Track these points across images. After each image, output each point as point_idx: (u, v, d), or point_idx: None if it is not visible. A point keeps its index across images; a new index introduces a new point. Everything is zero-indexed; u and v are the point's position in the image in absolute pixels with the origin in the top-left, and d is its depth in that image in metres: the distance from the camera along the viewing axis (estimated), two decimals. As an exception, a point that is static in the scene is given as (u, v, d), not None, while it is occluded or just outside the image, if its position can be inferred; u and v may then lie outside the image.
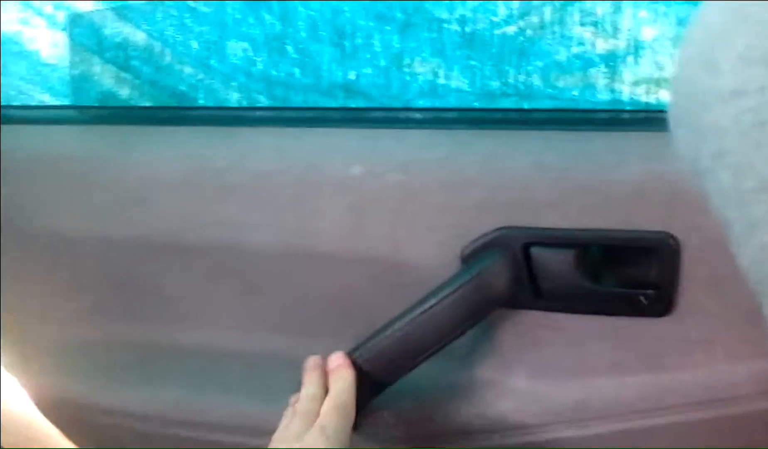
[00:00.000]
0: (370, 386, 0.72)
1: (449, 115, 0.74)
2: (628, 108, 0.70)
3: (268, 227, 0.75)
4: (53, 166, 0.82)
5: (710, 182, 0.28)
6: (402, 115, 0.75)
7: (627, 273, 0.69)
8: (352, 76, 0.73)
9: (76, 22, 0.84)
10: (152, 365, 0.85)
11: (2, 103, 0.89)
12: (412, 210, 0.70)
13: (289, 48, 0.73)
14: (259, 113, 0.80)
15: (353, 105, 0.75)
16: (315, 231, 0.74)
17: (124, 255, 0.82)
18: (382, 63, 0.70)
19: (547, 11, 0.64)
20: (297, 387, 0.78)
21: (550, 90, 0.68)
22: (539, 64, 0.68)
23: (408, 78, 0.71)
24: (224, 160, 0.75)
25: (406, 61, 0.70)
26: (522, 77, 0.68)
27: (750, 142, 0.25)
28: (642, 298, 0.67)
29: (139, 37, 0.79)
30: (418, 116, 0.75)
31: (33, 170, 0.82)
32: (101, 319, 0.88)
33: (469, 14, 0.66)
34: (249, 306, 0.81)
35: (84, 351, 0.89)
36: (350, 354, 0.72)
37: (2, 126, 0.84)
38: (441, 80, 0.70)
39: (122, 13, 0.79)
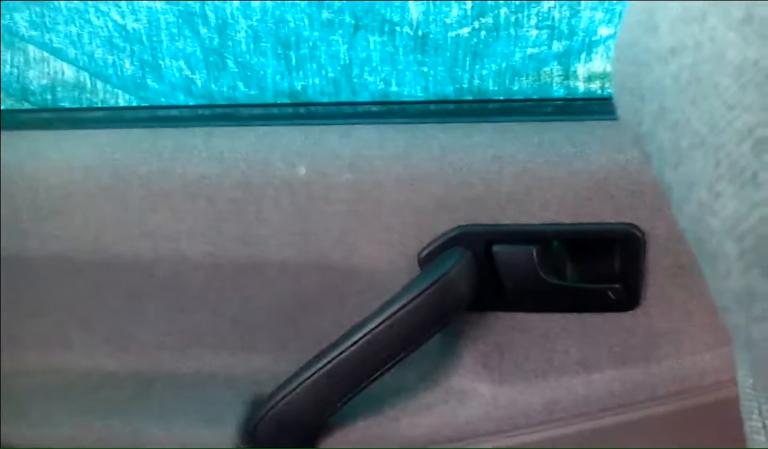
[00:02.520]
0: (328, 403, 0.67)
1: (400, 108, 0.69)
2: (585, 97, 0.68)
3: (203, 236, 0.68)
4: None
5: (651, 144, 0.28)
6: (348, 109, 0.70)
7: (592, 268, 0.67)
8: (298, 87, 0.67)
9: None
10: (75, 396, 0.77)
11: None
12: (364, 211, 0.65)
13: (230, 62, 0.66)
14: (189, 112, 0.73)
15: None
16: (257, 238, 0.68)
17: (38, 274, 0.74)
18: (330, 74, 0.65)
19: (502, 12, 0.61)
20: (239, 407, 0.72)
21: (504, 93, 0.65)
22: (494, 66, 0.64)
23: (358, 88, 0.66)
24: (151, 164, 0.68)
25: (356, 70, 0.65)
26: (476, 81, 0.64)
27: (687, 98, 0.25)
28: (609, 293, 0.65)
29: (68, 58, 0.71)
30: (365, 110, 0.70)
31: None
32: (14, 347, 0.78)
33: (421, 17, 0.62)
34: (182, 323, 0.74)
35: None
36: (303, 371, 0.67)
37: None
38: (393, 88, 0.66)
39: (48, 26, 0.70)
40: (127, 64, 0.70)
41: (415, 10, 0.63)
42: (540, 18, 0.63)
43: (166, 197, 0.68)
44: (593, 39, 0.64)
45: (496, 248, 0.64)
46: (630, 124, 0.30)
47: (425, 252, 0.65)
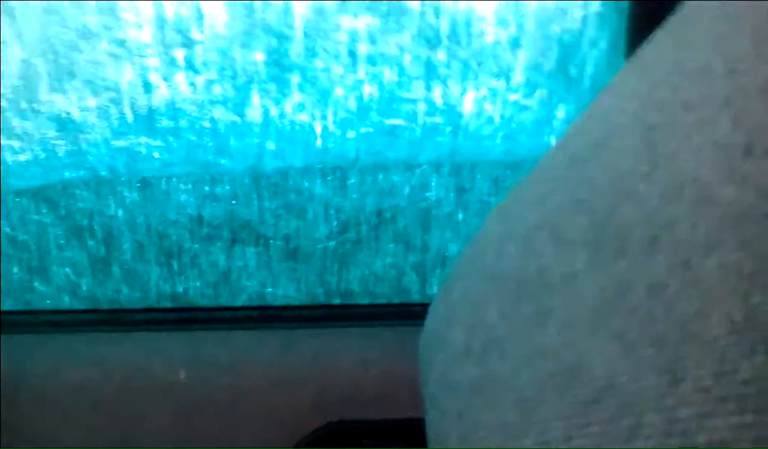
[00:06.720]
0: None
1: (276, 313, 0.75)
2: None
3: (83, 440, 0.71)
4: None
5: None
6: (227, 314, 0.75)
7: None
8: (180, 289, 0.72)
9: None
10: None
11: None
12: (243, 412, 0.69)
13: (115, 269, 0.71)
14: (71, 317, 0.76)
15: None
16: (136, 441, 0.70)
17: None
18: (210, 278, 0.71)
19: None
20: None
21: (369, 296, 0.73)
22: (358, 273, 0.71)
23: (236, 290, 0.72)
24: (36, 370, 0.70)
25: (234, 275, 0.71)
26: (343, 284, 0.71)
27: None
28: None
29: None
30: (244, 315, 0.75)
31: None
32: None
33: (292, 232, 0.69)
34: None
35: None
36: None
37: None
38: (269, 289, 0.72)
39: None
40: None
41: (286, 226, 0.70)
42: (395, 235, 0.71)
43: (51, 401, 0.70)
44: (446, 254, 0.72)
45: (366, 442, 0.70)
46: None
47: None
